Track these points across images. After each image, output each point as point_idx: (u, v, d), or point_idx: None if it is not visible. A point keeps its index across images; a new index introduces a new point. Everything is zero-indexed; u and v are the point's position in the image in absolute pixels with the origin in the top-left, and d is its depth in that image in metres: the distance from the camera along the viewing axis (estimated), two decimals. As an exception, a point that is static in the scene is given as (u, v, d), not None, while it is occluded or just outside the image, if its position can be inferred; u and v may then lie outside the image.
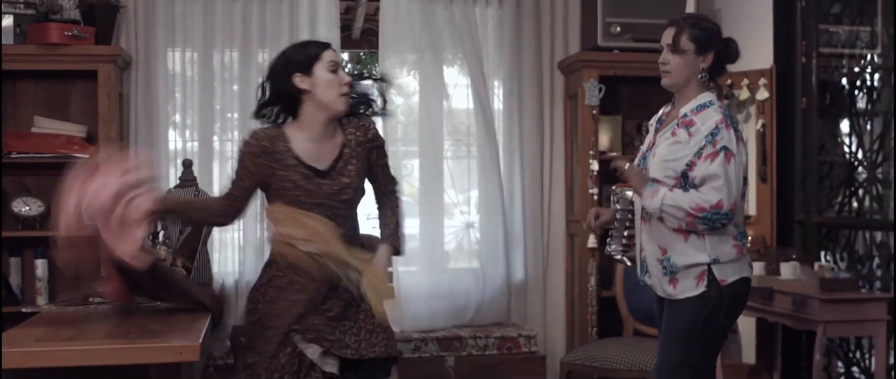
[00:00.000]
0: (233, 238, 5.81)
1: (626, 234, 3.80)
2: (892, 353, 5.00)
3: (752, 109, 5.50)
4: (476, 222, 6.00)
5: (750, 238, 5.28)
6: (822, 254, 5.28)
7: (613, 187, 3.83)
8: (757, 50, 5.51)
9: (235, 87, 5.77)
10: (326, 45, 3.58)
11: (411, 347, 5.53)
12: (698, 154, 3.45)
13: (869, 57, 5.21)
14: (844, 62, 5.30)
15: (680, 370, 3.58)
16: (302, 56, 3.50)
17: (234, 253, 5.79)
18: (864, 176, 5.15)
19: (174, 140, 5.77)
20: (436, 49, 5.82)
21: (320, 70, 3.48)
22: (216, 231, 5.62)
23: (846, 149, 5.31)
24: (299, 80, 3.48)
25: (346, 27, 6.23)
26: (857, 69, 5.23)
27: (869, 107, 5.19)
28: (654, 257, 3.62)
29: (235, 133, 5.77)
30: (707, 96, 3.57)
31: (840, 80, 5.30)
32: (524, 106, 5.98)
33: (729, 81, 5.51)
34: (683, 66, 3.56)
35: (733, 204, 3.44)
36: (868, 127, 5.21)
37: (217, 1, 5.69)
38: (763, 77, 5.37)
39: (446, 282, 5.87)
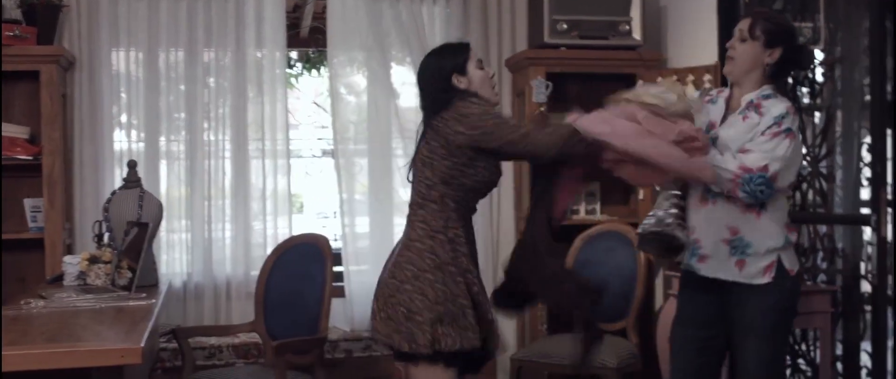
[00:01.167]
0: (181, 239, 5.77)
1: (674, 205, 3.77)
2: (837, 345, 5.07)
3: (698, 105, 5.53)
4: (426, 221, 5.98)
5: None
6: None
7: None
8: (702, 46, 5.56)
9: (182, 87, 5.74)
10: (468, 45, 3.65)
11: (361, 346, 5.52)
12: (763, 132, 3.49)
13: (819, 51, 5.26)
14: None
15: (776, 364, 3.61)
16: (454, 58, 3.55)
17: (181, 254, 5.75)
18: (808, 170, 5.21)
19: (120, 141, 5.72)
20: (383, 48, 5.81)
21: (472, 68, 3.54)
22: (163, 232, 5.58)
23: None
24: (458, 81, 3.51)
25: (294, 25, 6.20)
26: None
27: (812, 101, 5.25)
28: (717, 239, 3.58)
29: (183, 133, 5.73)
30: (770, 89, 3.61)
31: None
32: (472, 104, 5.97)
33: (674, 77, 5.55)
34: (748, 54, 3.58)
35: (776, 175, 3.44)
36: (812, 121, 5.27)
37: (162, 0, 5.64)
38: (708, 73, 5.42)
39: (396, 280, 5.84)
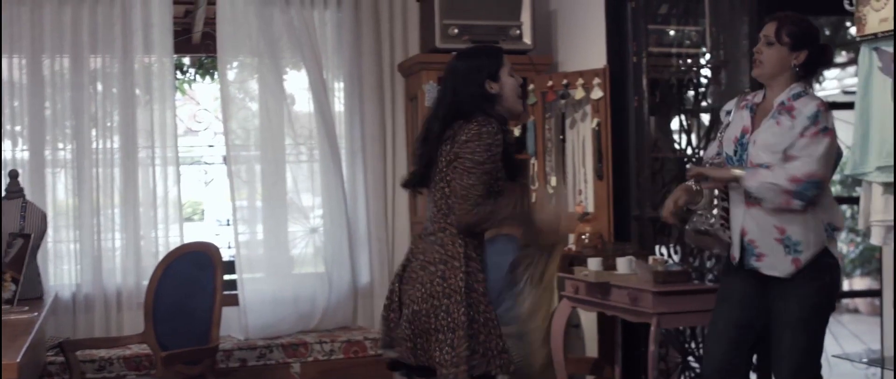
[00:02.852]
0: (69, 249, 5.64)
1: (718, 207, 3.78)
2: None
3: (588, 108, 5.61)
4: (320, 227, 5.96)
5: (587, 235, 5.39)
6: (657, 248, 5.42)
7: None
8: (591, 50, 5.63)
9: (68, 94, 5.60)
10: (502, 51, 3.67)
11: (256, 355, 5.46)
12: (801, 134, 3.55)
13: (704, 55, 5.37)
14: (673, 61, 5.46)
15: (812, 354, 3.65)
16: (488, 63, 3.57)
17: (70, 265, 5.62)
18: (694, 172, 5.31)
19: (4, 149, 5.56)
20: (274, 53, 5.76)
21: (505, 75, 3.57)
22: (50, 242, 5.46)
23: (677, 145, 5.47)
24: (490, 87, 3.54)
25: (186, 30, 6.11)
26: (684, 68, 5.39)
27: (696, 103, 5.36)
28: (770, 238, 3.64)
29: (69, 141, 5.60)
30: (799, 86, 3.67)
31: (670, 79, 5.45)
32: (365, 108, 5.98)
33: (564, 81, 5.62)
34: (776, 58, 3.64)
35: (825, 176, 3.54)
36: (701, 123, 5.37)
37: (46, 5, 5.51)
38: (597, 76, 5.49)
39: (291, 287, 5.80)
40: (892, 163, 3.23)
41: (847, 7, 3.50)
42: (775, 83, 3.70)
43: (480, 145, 3.41)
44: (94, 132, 5.64)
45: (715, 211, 3.78)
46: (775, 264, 3.68)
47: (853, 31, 3.46)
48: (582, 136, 5.70)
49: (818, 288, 3.65)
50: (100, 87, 5.66)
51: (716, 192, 3.86)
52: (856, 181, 7.60)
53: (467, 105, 3.50)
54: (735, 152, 3.73)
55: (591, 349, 5.68)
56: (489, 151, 3.42)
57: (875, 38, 3.24)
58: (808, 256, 3.63)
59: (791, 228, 3.62)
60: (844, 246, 9.86)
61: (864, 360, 4.81)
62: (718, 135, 3.89)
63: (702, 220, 3.81)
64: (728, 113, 3.88)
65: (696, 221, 3.82)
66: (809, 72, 3.73)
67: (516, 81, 3.61)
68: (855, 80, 3.51)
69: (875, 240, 3.43)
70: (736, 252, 3.78)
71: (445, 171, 3.48)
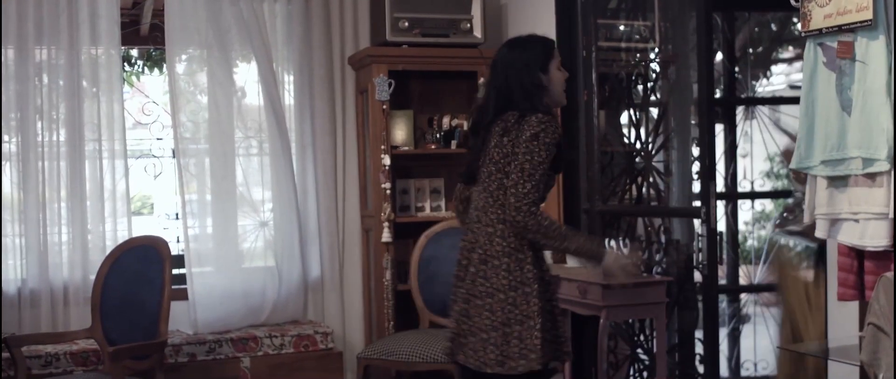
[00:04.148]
0: (14, 244, 5.55)
1: None
2: (675, 335, 5.22)
3: (538, 102, 5.62)
4: (270, 221, 5.92)
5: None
6: (607, 241, 5.46)
7: None
8: (541, 44, 5.64)
9: (13, 86, 5.51)
10: (554, 43, 3.64)
11: (205, 350, 5.42)
12: None
13: (652, 50, 5.42)
14: (622, 56, 5.50)
15: None
16: (540, 55, 3.55)
17: (15, 259, 5.54)
18: (643, 165, 5.36)
19: (-51, 144, 5.48)
20: (223, 45, 5.71)
21: (554, 68, 3.56)
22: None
23: (626, 139, 5.51)
24: (539, 78, 3.53)
25: (134, 22, 6.05)
26: (634, 62, 5.43)
27: (646, 97, 5.40)
28: None
29: (14, 137, 5.51)
30: None
31: (619, 73, 5.49)
32: (316, 102, 5.95)
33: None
34: None
35: None
36: (650, 117, 5.42)
37: (-12, -3, 5.43)
38: (547, 71, 5.50)
39: (241, 281, 5.77)
40: (836, 157, 3.28)
41: (793, 3, 3.53)
42: None
43: (540, 145, 3.39)
44: (39, 125, 5.56)
45: None
46: None
47: (800, 26, 3.49)
48: (533, 129, 5.71)
49: None
50: (46, 78, 5.58)
51: None
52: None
53: (517, 94, 3.50)
54: None
55: (542, 342, 5.70)
56: (548, 151, 3.40)
57: (820, 33, 3.28)
58: None
59: None
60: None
61: (809, 351, 4.88)
62: None
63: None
64: None
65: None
66: None
67: (563, 75, 3.62)
68: (801, 76, 3.56)
69: (819, 233, 3.47)
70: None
71: (503, 162, 3.47)
